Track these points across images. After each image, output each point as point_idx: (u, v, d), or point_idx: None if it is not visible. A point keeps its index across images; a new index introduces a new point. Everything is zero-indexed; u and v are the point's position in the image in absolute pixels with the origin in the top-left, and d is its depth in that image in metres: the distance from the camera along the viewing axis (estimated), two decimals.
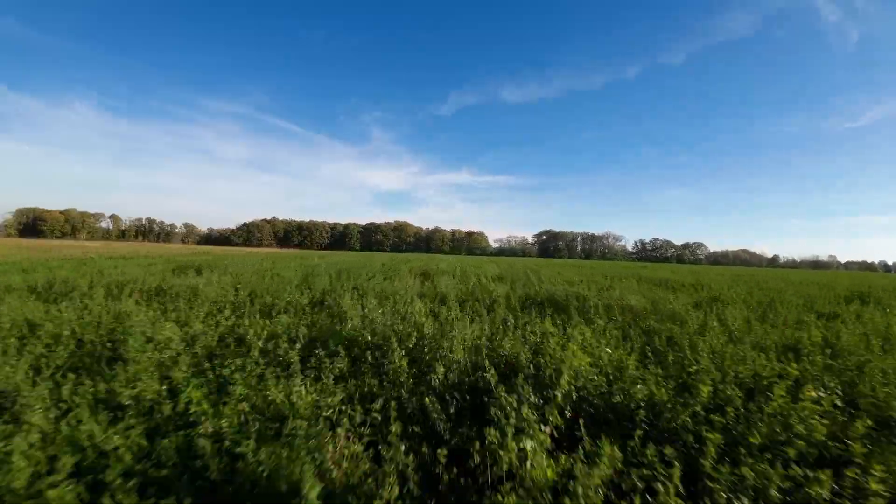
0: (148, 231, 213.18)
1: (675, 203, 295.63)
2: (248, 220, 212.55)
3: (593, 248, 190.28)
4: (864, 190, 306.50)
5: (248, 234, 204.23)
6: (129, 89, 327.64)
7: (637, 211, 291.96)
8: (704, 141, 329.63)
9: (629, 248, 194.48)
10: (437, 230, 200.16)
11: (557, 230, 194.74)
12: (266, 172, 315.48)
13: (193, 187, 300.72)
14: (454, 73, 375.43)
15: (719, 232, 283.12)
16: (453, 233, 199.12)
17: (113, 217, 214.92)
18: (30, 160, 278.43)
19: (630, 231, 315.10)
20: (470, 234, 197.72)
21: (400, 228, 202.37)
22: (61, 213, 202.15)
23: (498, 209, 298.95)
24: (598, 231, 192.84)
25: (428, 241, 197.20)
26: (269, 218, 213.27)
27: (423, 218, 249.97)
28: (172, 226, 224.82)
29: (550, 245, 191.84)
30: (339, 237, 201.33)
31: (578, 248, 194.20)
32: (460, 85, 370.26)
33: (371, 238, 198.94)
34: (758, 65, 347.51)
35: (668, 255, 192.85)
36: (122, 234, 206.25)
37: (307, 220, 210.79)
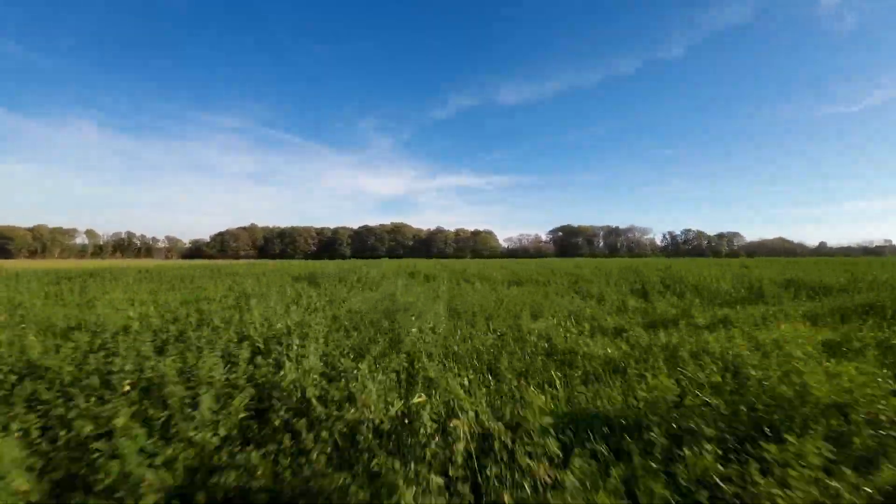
0: (127, 246, 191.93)
1: (703, 192, 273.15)
2: (223, 229, 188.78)
3: (617, 244, 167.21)
4: None
5: (222, 245, 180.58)
6: (129, 107, 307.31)
7: (664, 202, 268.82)
8: (718, 131, 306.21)
9: (658, 241, 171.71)
10: (438, 231, 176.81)
11: (576, 225, 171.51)
12: (265, 184, 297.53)
13: (192, 202, 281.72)
14: (450, 76, 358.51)
15: (755, 220, 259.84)
16: (457, 233, 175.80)
17: (88, 232, 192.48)
18: (32, 180, 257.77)
19: (658, 223, 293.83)
20: (476, 233, 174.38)
21: (397, 231, 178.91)
22: (29, 230, 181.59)
23: (504, 210, 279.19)
24: (622, 224, 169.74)
25: (429, 244, 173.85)
26: (246, 225, 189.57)
27: (426, 222, 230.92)
28: (154, 240, 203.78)
29: (568, 242, 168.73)
30: (328, 243, 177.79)
31: (601, 243, 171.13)
32: (457, 88, 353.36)
33: (364, 243, 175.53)
34: (757, 52, 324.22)
35: (703, 247, 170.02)
36: (100, 250, 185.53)
37: (290, 225, 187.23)
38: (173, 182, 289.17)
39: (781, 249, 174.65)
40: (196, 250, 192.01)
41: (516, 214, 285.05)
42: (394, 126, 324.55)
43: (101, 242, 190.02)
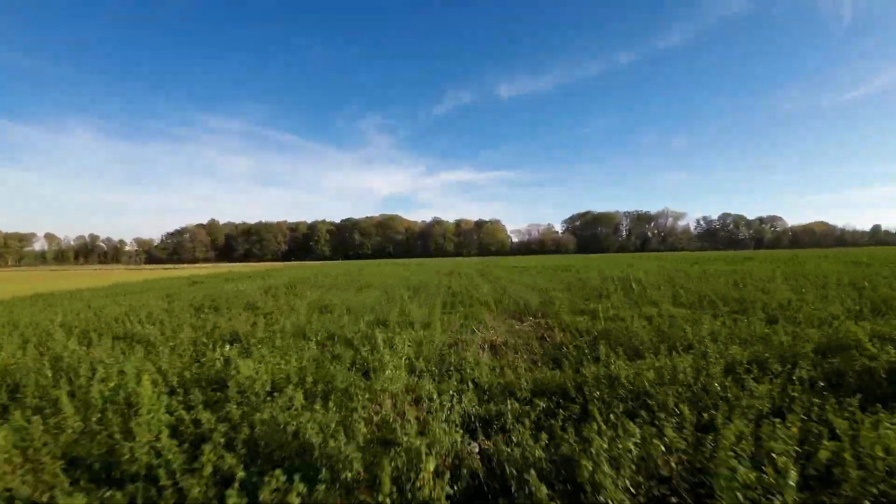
0: (90, 251, 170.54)
1: (735, 175, 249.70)
2: (179, 227, 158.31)
3: (647, 232, 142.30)
4: None
5: (176, 246, 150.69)
6: (125, 111, 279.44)
7: (679, 187, 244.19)
8: (744, 115, 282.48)
9: (692, 227, 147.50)
10: (435, 223, 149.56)
11: (597, 212, 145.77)
12: (265, 185, 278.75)
13: (192, 207, 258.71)
14: (448, 72, 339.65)
15: (793, 203, 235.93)
16: (458, 225, 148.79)
17: (48, 237, 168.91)
18: (30, 187, 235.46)
19: (692, 206, 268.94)
20: (480, 224, 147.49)
21: (386, 225, 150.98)
22: None
23: (508, 205, 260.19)
24: (652, 209, 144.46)
25: (424, 239, 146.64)
26: (204, 222, 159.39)
27: (426, 218, 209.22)
28: (122, 242, 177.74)
29: (589, 232, 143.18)
30: (302, 242, 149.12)
31: (624, 232, 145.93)
32: (455, 84, 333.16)
33: (346, 240, 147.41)
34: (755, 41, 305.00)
35: (741, 237, 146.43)
36: (62, 256, 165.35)
37: (257, 221, 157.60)
38: (166, 185, 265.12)
39: (831, 236, 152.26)
40: (146, 254, 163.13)
41: (521, 209, 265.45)
42: (393, 123, 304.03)
43: (64, 248, 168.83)
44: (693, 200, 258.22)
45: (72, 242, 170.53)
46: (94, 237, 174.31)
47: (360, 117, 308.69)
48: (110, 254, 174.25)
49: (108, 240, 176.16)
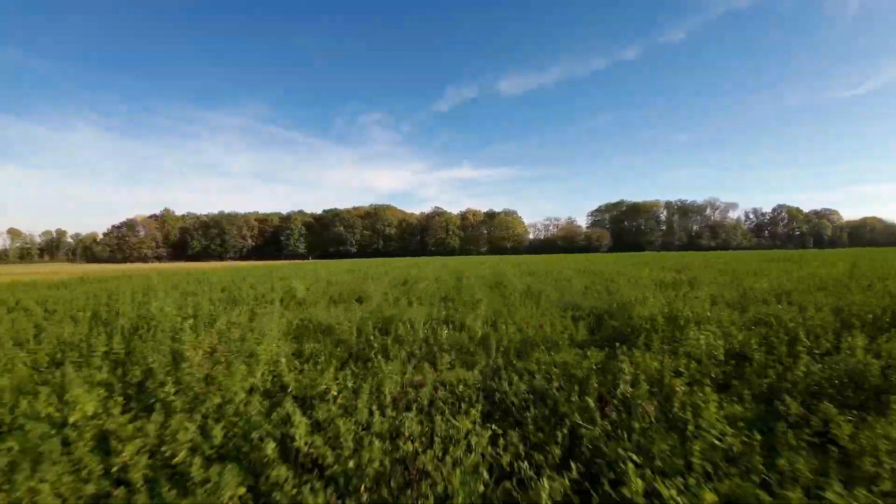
0: (57, 247, 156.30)
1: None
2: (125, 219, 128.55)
3: (693, 226, 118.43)
4: None
5: (120, 242, 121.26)
6: (127, 108, 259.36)
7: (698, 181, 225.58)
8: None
9: (742, 221, 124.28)
10: (436, 214, 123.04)
11: (630, 201, 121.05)
12: (262, 183, 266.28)
13: (190, 205, 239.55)
14: (450, 67, 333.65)
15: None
16: (463, 217, 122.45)
17: (11, 232, 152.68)
18: (35, 186, 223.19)
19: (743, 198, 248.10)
20: (492, 216, 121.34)
21: (375, 216, 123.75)
22: None
23: (513, 202, 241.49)
24: (699, 198, 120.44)
25: (422, 234, 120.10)
26: (157, 213, 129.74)
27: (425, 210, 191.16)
28: (90, 238, 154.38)
29: (624, 227, 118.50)
30: (273, 237, 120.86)
31: (664, 226, 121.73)
32: (457, 80, 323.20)
33: (328, 234, 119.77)
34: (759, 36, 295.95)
35: (797, 231, 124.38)
36: (27, 254, 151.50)
37: (221, 211, 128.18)
38: (154, 181, 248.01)
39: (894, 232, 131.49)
40: (87, 251, 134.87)
41: (526, 206, 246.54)
42: (394, 120, 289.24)
43: (28, 245, 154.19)
44: (700, 195, 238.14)
45: (37, 238, 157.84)
46: (61, 232, 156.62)
47: (361, 113, 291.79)
48: (78, 250, 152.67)
49: (77, 235, 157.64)
